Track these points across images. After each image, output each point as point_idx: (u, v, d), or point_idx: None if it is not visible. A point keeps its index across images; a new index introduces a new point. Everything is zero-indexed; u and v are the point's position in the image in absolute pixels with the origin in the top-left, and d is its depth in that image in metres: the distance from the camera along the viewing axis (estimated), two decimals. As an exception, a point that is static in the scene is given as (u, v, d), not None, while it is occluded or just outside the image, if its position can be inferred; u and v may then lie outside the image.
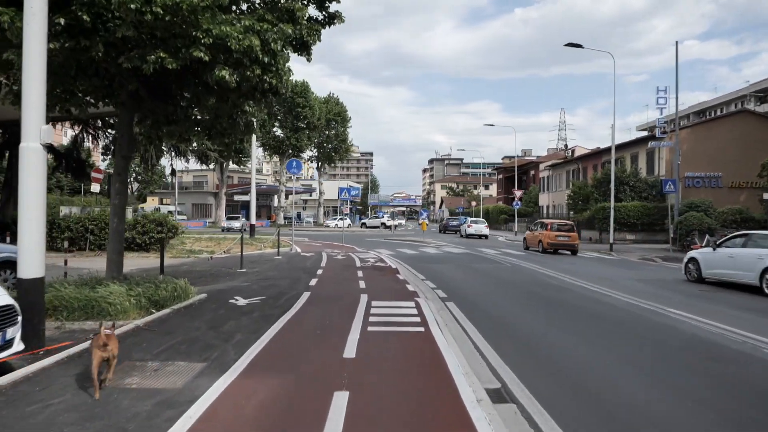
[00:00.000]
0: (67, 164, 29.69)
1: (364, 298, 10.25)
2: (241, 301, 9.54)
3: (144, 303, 8.11)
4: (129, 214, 29.54)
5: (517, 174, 77.83)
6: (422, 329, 7.58)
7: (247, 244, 24.61)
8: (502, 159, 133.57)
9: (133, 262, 17.31)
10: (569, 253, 25.90)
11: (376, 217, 73.84)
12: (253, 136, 31.07)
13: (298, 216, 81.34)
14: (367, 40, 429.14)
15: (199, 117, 10.14)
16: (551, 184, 62.45)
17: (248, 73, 7.16)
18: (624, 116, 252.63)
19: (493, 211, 72.04)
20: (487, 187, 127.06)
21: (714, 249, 15.12)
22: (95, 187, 22.71)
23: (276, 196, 73.52)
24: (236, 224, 47.74)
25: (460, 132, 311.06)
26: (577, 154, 61.49)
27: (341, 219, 65.08)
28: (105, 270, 9.20)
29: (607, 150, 47.10)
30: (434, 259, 20.55)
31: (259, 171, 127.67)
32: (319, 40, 8.77)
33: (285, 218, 76.99)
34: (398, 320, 8.17)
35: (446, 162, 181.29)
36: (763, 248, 13.24)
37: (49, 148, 24.63)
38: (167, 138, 10.62)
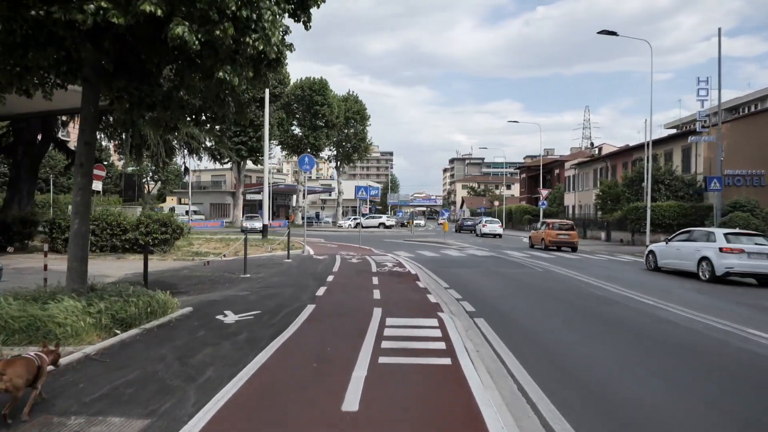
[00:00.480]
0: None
1: (377, 313, 8.65)
2: (230, 318, 7.99)
3: (106, 322, 6.61)
4: (137, 211, 28.44)
5: (542, 173, 75.72)
6: (448, 360, 5.93)
7: (258, 246, 23.21)
8: (524, 158, 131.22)
9: (132, 265, 15.98)
10: (570, 249, 28.02)
11: (373, 217, 67.50)
12: (266, 133, 29.73)
13: (317, 216, 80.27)
14: (388, 39, 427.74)
15: (185, 99, 8.60)
16: (577, 183, 60.21)
17: (218, 32, 5.59)
18: (648, 115, 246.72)
19: (516, 212, 69.95)
20: (509, 187, 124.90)
21: (666, 243, 18.02)
22: (96, 185, 21.51)
23: (294, 196, 72.35)
24: (258, 224, 45.32)
25: (481, 132, 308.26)
26: (604, 152, 59.13)
27: (354, 219, 63.10)
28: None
29: (639, 147, 44.84)
30: (457, 263, 18.87)
31: (279, 171, 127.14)
32: (323, 1, 7.17)
33: (303, 218, 75.70)
34: (418, 346, 6.54)
35: (467, 161, 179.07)
36: (700, 242, 16.25)
37: (61, 146, 23.64)
38: (151, 126, 9.17)
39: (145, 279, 9.55)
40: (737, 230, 17.82)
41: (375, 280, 13.15)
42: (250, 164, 65.57)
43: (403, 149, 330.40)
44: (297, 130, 66.42)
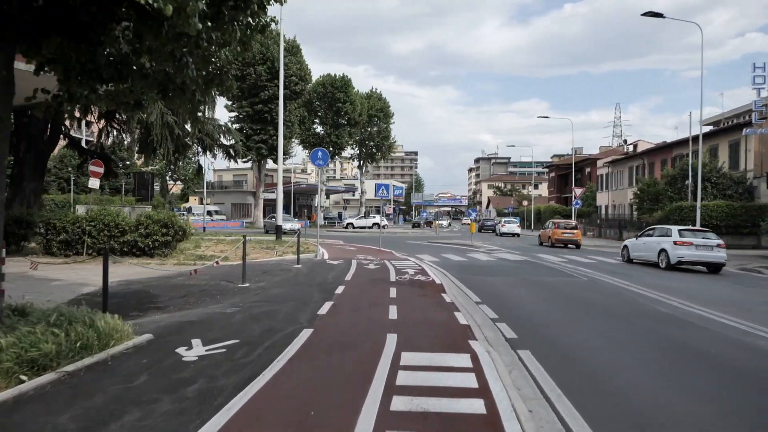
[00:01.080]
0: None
1: (390, 343, 6.64)
2: (194, 351, 6.03)
3: (7, 366, 4.73)
4: (138, 211, 27.01)
5: (571, 173, 72.76)
6: (492, 439, 3.89)
7: (269, 249, 21.42)
8: (551, 157, 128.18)
9: (125, 270, 14.28)
10: (574, 246, 31.07)
11: (365, 217, 61.46)
12: (281, 129, 27.96)
13: (340, 216, 78.68)
14: (413, 39, 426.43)
15: (150, 67, 6.68)
16: (611, 182, 57.33)
17: None
18: (679, 113, 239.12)
19: (545, 212, 67.21)
20: (536, 187, 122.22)
21: (637, 239, 21.08)
22: (94, 183, 19.97)
23: (316, 196, 70.75)
24: (290, 225, 39.07)
25: (507, 131, 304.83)
26: (640, 148, 56.13)
27: (366, 218, 59.82)
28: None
29: (679, 143, 42.02)
30: (487, 270, 16.73)
31: (303, 171, 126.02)
32: None
33: (325, 218, 74.07)
34: (444, 408, 4.46)
35: (493, 161, 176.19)
36: (661, 237, 19.19)
37: (73, 143, 22.11)
38: (107, 103, 7.27)
39: (104, 294, 7.67)
40: (690, 227, 20.82)
41: (392, 292, 11.13)
42: (272, 164, 64.17)
43: (427, 149, 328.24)
44: (319, 129, 64.86)
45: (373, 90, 72.15)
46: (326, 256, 19.93)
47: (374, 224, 55.62)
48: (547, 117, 49.50)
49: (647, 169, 47.41)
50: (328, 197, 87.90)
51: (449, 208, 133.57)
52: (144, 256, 17.74)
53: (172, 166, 31.63)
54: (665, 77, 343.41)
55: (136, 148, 25.33)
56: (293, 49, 51.74)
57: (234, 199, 75.77)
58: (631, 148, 61.82)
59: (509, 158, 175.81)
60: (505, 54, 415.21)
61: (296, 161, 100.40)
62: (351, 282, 12.77)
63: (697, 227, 22.01)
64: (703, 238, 18.56)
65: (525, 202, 71.23)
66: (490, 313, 9.16)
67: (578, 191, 39.25)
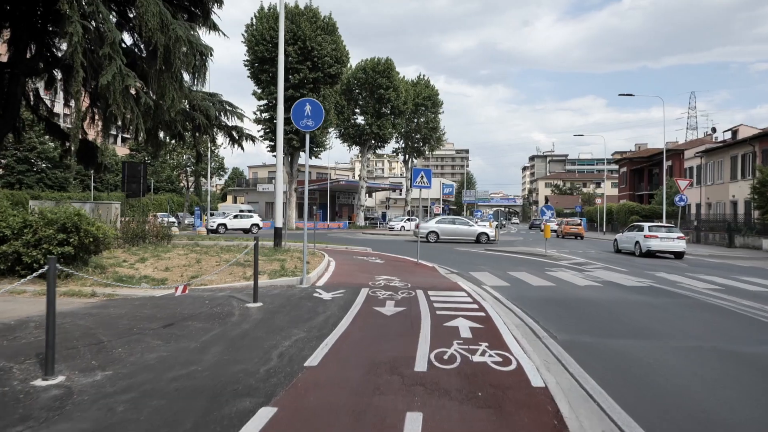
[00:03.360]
0: (78, 150, 21.11)
1: None
2: None
3: None
4: (113, 209, 20.46)
5: (646, 167, 62.94)
6: None
7: (249, 265, 14.11)
8: (612, 154, 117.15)
9: None
10: (580, 238, 42.22)
11: (241, 216, 43.42)
12: (280, 105, 20.85)
13: (383, 216, 71.89)
14: (464, 38, 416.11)
15: None
16: (704, 175, 47.68)
17: None
18: (748, 108, 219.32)
19: (619, 211, 57.69)
20: (598, 185, 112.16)
21: (623, 234, 26.19)
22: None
23: (357, 194, 63.82)
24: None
25: (562, 129, 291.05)
26: (741, 135, 46.11)
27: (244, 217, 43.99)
28: None
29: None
30: (610, 315, 8.81)
31: (352, 170, 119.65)
32: None
33: (367, 219, 67.11)
34: None
35: (549, 159, 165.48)
36: (637, 232, 24.11)
37: (51, 126, 14.37)
38: None
39: None
40: (656, 223, 27.90)
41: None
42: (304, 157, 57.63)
43: (478, 149, 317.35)
44: (360, 119, 57.89)
45: (421, 76, 64.65)
46: (324, 279, 12.29)
47: (252, 225, 41.82)
48: (631, 95, 41.07)
49: (760, 158, 37.85)
50: (370, 195, 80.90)
51: (502, 208, 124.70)
52: (36, 278, 10.78)
53: (151, 150, 25.11)
54: (732, 71, 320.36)
55: (81, 123, 18.64)
56: (328, 28, 44.74)
57: (269, 198, 69.69)
58: (729, 135, 51.68)
59: (566, 155, 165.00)
60: (559, 50, 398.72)
61: (344, 158, 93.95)
62: (313, 382, 5.06)
63: (663, 223, 26.43)
64: (666, 231, 22.83)
65: (598, 200, 61.82)
66: None
67: (682, 184, 29.77)
